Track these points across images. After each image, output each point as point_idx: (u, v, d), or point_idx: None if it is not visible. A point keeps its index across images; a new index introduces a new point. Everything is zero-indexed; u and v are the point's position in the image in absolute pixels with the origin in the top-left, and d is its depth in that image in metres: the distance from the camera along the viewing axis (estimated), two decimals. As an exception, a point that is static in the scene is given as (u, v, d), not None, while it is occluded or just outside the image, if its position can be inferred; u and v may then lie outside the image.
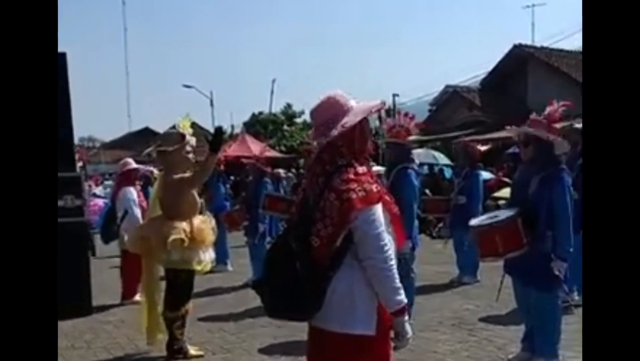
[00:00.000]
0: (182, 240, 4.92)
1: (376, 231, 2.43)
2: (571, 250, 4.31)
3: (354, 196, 2.42)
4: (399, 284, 2.47)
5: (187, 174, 5.08)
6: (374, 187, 2.49)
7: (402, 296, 2.47)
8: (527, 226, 4.32)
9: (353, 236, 2.44)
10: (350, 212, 2.41)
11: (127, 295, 7.42)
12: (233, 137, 30.38)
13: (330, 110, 2.56)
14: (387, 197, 2.56)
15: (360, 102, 2.65)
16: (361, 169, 2.52)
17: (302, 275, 2.39)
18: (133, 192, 7.43)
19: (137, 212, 7.26)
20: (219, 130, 5.17)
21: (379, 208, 2.47)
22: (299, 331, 5.33)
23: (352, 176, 2.47)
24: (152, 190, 5.72)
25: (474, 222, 4.79)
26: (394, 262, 2.47)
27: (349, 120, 2.51)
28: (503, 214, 4.49)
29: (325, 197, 2.46)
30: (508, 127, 4.83)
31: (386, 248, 2.44)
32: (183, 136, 5.13)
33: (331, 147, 2.53)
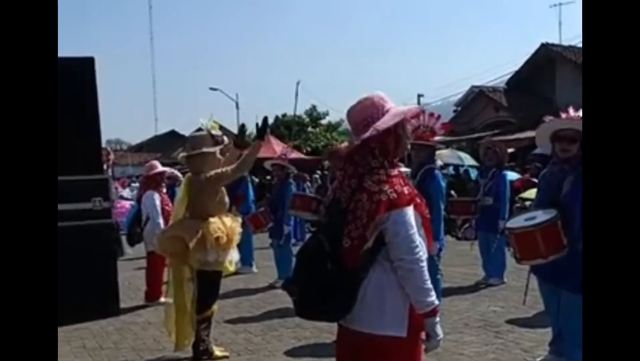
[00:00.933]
0: (219, 238, 4.97)
1: (407, 232, 2.43)
2: None
3: (384, 198, 2.43)
4: (430, 285, 2.47)
5: (226, 167, 5.12)
6: (406, 189, 2.50)
7: (434, 298, 2.47)
8: (564, 227, 4.24)
9: (384, 237, 2.44)
10: (378, 213, 2.41)
11: (151, 296, 7.49)
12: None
13: (365, 111, 2.56)
14: (418, 200, 2.56)
15: (398, 105, 2.66)
16: (393, 171, 2.53)
17: (333, 276, 2.39)
18: (156, 197, 7.47)
19: (159, 217, 7.31)
20: (265, 119, 5.32)
21: (410, 210, 2.47)
22: (324, 333, 5.34)
23: (384, 178, 2.48)
24: (179, 191, 5.75)
25: (510, 224, 4.69)
26: (425, 264, 2.47)
27: (383, 123, 2.51)
28: (540, 215, 4.37)
29: (357, 198, 2.48)
30: (547, 123, 4.60)
31: (417, 249, 2.44)
32: (214, 138, 5.19)
33: (364, 148, 2.53)
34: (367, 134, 2.49)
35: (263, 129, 5.17)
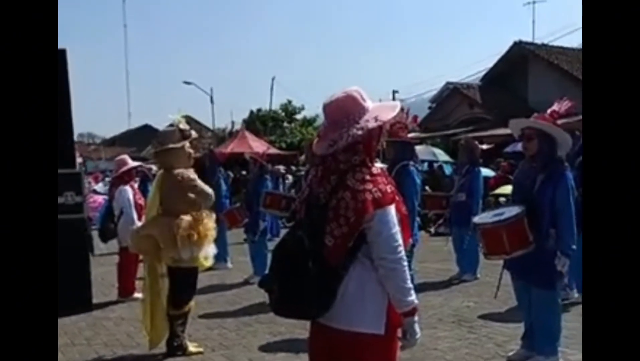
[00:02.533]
0: (191, 235, 4.93)
1: (390, 232, 2.42)
2: (574, 246, 4.30)
3: (369, 197, 2.40)
4: (410, 285, 2.48)
5: (203, 187, 5.15)
6: (389, 188, 2.49)
7: (413, 297, 2.48)
8: (531, 224, 4.31)
9: (366, 235, 2.43)
10: (366, 212, 2.39)
11: (125, 292, 7.42)
12: (233, 134, 30.36)
13: (347, 107, 2.50)
14: (397, 197, 2.55)
15: (374, 101, 2.63)
16: (375, 169, 2.51)
17: (315, 274, 2.37)
18: (129, 191, 7.41)
19: (133, 211, 7.25)
20: None
21: (392, 209, 2.46)
22: (298, 328, 5.33)
23: (367, 176, 2.45)
24: (151, 188, 5.68)
25: (477, 219, 4.76)
26: (406, 263, 2.47)
27: (374, 119, 2.48)
28: (508, 212, 4.45)
29: (339, 196, 2.43)
30: (512, 120, 4.76)
31: (399, 249, 2.44)
32: (182, 132, 5.14)
33: (351, 146, 2.47)
34: (360, 132, 2.44)
35: None
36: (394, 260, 2.42)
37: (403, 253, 2.45)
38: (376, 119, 2.49)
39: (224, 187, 9.93)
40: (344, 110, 2.50)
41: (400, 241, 2.45)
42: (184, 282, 5.11)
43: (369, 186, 2.43)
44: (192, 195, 5.11)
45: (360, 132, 2.45)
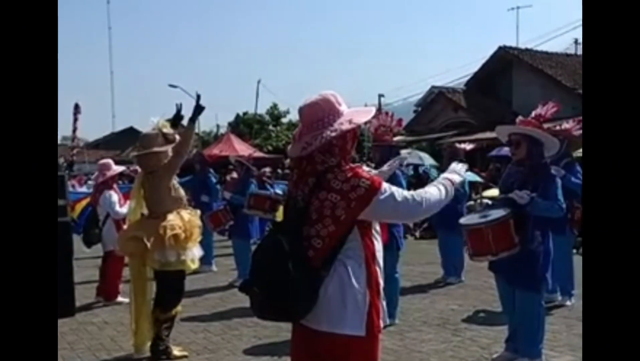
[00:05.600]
0: (177, 235, 4.91)
1: (396, 201, 2.50)
2: (559, 206, 4.39)
3: (362, 192, 2.45)
4: (437, 195, 2.64)
5: (168, 159, 5.09)
6: (372, 173, 2.57)
7: (445, 193, 2.68)
8: (517, 226, 4.34)
9: (351, 231, 2.47)
10: (367, 205, 2.44)
11: (109, 296, 7.36)
12: (218, 137, 30.30)
13: (322, 110, 2.54)
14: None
15: (350, 105, 2.66)
16: (353, 165, 2.57)
17: (295, 276, 2.36)
18: (114, 194, 7.36)
19: (122, 208, 7.14)
20: (198, 99, 5.26)
21: (386, 185, 2.52)
22: (283, 331, 5.32)
23: (349, 174, 2.49)
24: (132, 192, 5.60)
25: (464, 220, 4.79)
26: (426, 198, 2.57)
27: (349, 122, 2.52)
28: (494, 213, 4.48)
29: (322, 197, 2.45)
30: (498, 127, 4.79)
31: (414, 204, 2.53)
32: (165, 136, 5.12)
33: (326, 147, 2.50)
34: (333, 134, 2.48)
35: (195, 112, 5.15)
36: (419, 212, 2.60)
37: (420, 199, 2.55)
38: (350, 122, 2.53)
39: (214, 186, 9.83)
40: (318, 113, 2.54)
41: (410, 198, 2.53)
42: (171, 286, 5.09)
43: (356, 181, 2.46)
44: (174, 193, 5.11)
45: (334, 134, 2.49)
